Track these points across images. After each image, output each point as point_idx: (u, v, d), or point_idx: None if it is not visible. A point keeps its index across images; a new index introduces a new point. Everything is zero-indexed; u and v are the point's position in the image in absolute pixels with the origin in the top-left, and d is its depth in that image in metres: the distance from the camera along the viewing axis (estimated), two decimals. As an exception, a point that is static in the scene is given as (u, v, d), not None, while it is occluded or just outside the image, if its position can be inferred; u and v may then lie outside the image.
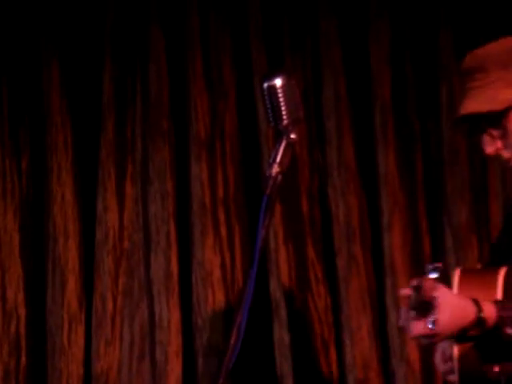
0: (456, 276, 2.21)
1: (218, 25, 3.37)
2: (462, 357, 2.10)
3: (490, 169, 3.30)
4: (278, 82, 1.94)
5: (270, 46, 3.35)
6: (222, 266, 3.31)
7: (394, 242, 3.29)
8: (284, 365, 3.26)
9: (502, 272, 2.16)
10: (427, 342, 2.06)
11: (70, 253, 3.34)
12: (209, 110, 3.35)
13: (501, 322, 2.04)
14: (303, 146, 3.33)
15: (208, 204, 3.32)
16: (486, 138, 2.25)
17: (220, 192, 3.34)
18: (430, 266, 2.08)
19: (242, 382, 3.16)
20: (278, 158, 1.91)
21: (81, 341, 3.31)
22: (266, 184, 1.90)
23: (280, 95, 1.94)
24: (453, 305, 2.05)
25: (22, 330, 3.31)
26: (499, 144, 2.24)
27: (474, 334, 2.06)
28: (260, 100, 3.27)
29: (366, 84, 3.36)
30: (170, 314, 3.28)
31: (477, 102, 2.23)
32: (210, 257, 3.30)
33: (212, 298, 3.28)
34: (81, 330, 3.31)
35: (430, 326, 2.02)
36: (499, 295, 2.11)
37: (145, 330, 3.31)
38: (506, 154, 2.25)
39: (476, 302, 2.07)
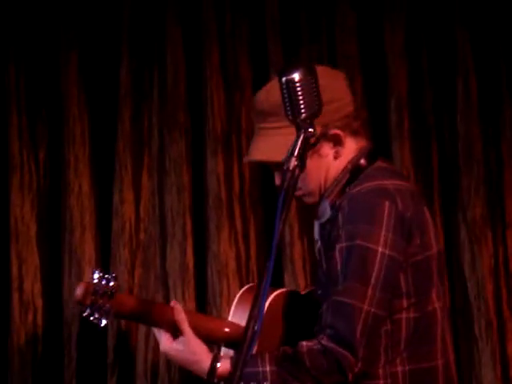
0: (237, 295, 2.32)
1: (235, 18, 3.38)
2: None
3: (506, 164, 3.30)
4: (297, 76, 1.95)
5: (287, 39, 3.36)
6: (237, 258, 3.32)
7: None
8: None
9: (273, 296, 2.26)
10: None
11: (86, 244, 3.36)
12: (225, 104, 3.36)
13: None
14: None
15: (224, 197, 3.33)
16: (278, 173, 2.31)
17: (236, 186, 3.35)
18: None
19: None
20: (296, 152, 1.92)
21: (97, 332, 3.32)
22: (283, 177, 1.90)
23: (298, 89, 1.95)
24: (189, 351, 2.21)
25: (39, 321, 3.33)
26: None
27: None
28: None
29: (382, 79, 3.36)
30: (185, 306, 3.30)
31: (265, 150, 2.27)
32: (225, 249, 3.31)
33: (227, 290, 3.29)
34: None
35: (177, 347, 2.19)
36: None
37: (160, 322, 3.32)
38: (299, 192, 2.28)
39: (215, 356, 2.18)
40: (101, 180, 3.41)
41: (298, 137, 1.93)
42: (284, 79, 1.95)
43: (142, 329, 3.33)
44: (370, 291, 2.13)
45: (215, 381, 2.16)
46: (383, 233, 2.15)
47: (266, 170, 3.35)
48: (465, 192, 3.29)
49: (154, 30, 3.40)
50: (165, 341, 2.22)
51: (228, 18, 3.38)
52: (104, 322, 2.13)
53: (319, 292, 2.27)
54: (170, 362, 3.29)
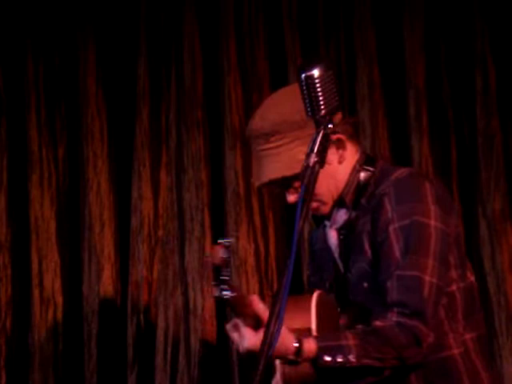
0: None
1: (252, 15, 3.37)
2: (286, 379, 2.20)
3: (525, 157, 3.29)
4: (316, 72, 1.94)
5: (304, 35, 3.35)
6: (256, 254, 3.32)
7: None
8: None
9: (315, 296, 2.27)
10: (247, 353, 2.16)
11: (105, 240, 3.37)
12: (243, 101, 3.35)
13: (320, 351, 2.15)
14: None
15: (242, 193, 3.33)
16: (290, 191, 2.33)
17: (254, 181, 3.35)
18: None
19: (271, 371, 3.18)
20: (316, 148, 1.92)
21: (116, 328, 3.34)
22: (303, 174, 1.90)
23: (318, 85, 1.94)
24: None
25: (59, 317, 3.35)
26: None
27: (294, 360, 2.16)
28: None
29: (401, 72, 3.35)
30: (204, 302, 3.31)
31: (277, 168, 2.28)
32: (244, 245, 3.32)
33: (246, 285, 3.30)
34: (116, 317, 3.34)
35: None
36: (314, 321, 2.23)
37: (179, 318, 3.33)
38: (314, 205, 2.32)
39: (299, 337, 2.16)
40: (119, 177, 3.42)
41: (318, 133, 1.93)
42: (303, 75, 1.94)
43: (162, 325, 3.33)
44: (431, 263, 2.20)
45: (300, 360, 2.16)
46: (432, 208, 2.24)
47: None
48: (484, 185, 3.28)
49: (171, 27, 3.41)
50: (250, 336, 2.16)
51: (245, 14, 3.37)
52: (229, 294, 2.10)
53: (365, 285, 2.29)
54: (189, 357, 3.30)
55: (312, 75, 1.94)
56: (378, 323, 2.20)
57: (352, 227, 2.31)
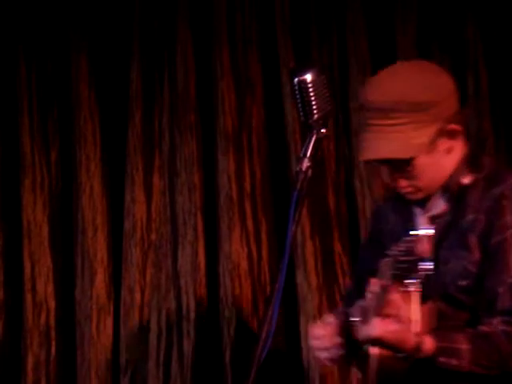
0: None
1: (245, 19, 3.38)
2: (381, 373, 2.18)
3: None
4: (309, 76, 1.95)
5: (297, 38, 3.36)
6: (249, 258, 3.33)
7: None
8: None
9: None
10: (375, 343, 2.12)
11: (98, 245, 3.37)
12: (236, 104, 3.36)
13: (437, 352, 2.11)
14: (330, 138, 3.34)
15: (235, 197, 3.33)
16: (396, 175, 2.28)
17: (247, 185, 3.35)
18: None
19: (269, 374, 3.18)
20: (309, 153, 1.92)
21: (109, 332, 3.34)
22: (296, 179, 1.90)
23: (310, 90, 1.94)
24: (402, 329, 2.13)
25: (52, 322, 3.35)
26: (403, 177, 2.27)
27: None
28: (287, 94, 3.28)
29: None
30: (197, 306, 3.31)
31: (392, 147, 2.23)
32: (236, 249, 3.32)
33: (239, 289, 3.30)
34: (109, 321, 3.35)
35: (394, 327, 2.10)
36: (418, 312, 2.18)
37: (172, 322, 3.33)
38: (407, 189, 2.29)
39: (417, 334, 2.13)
40: (112, 180, 3.42)
41: (310, 138, 1.93)
42: (296, 80, 1.95)
43: (154, 329, 3.33)
44: None
45: (415, 357, 2.12)
46: None
47: (277, 168, 3.36)
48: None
49: (164, 31, 3.41)
50: (381, 325, 2.11)
51: (238, 18, 3.38)
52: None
53: (463, 283, 2.24)
54: (182, 362, 3.30)
55: (305, 80, 1.95)
56: (485, 328, 2.16)
57: (453, 221, 2.26)
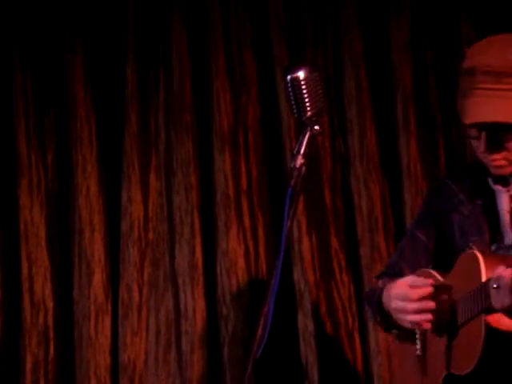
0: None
1: (239, 18, 3.38)
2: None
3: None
4: (302, 74, 1.96)
5: (291, 36, 3.36)
6: (246, 255, 3.33)
7: (417, 231, 3.29)
8: (308, 353, 3.28)
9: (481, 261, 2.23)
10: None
11: (95, 244, 3.37)
12: (231, 103, 3.37)
13: None
14: (325, 136, 3.34)
15: (231, 195, 3.34)
16: (489, 138, 2.27)
17: (243, 183, 3.36)
18: None
19: (268, 371, 3.19)
20: (302, 150, 1.93)
21: (107, 331, 3.34)
22: (290, 176, 1.91)
23: (303, 87, 1.95)
24: None
25: (50, 322, 3.35)
26: (500, 148, 2.27)
27: None
28: (282, 92, 3.28)
29: (388, 74, 3.36)
30: (195, 304, 3.31)
31: (506, 112, 2.22)
32: (234, 247, 3.33)
33: (236, 287, 3.31)
34: (107, 320, 3.35)
35: None
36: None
37: (170, 320, 3.34)
38: (500, 162, 2.28)
39: None
40: (109, 180, 3.42)
41: (304, 135, 1.94)
42: (289, 77, 1.96)
43: (153, 327, 3.34)
44: None
45: None
46: None
47: (273, 165, 3.36)
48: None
49: (159, 31, 3.41)
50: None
51: (233, 18, 3.38)
52: None
53: None
54: (181, 360, 3.30)
55: (297, 77, 1.96)
56: None
57: None
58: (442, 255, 2.51)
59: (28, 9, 3.42)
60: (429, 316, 2.30)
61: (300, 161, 1.92)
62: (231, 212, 3.33)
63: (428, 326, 2.32)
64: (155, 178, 3.40)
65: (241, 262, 3.32)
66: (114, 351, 3.35)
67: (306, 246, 3.31)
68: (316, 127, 1.95)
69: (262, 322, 1.80)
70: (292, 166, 1.92)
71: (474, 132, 2.31)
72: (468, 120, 2.29)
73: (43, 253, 3.38)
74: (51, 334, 3.35)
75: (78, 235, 3.38)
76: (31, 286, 3.36)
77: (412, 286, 2.34)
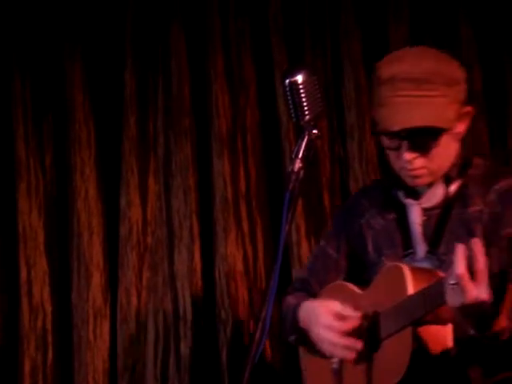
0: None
1: (238, 21, 3.38)
2: None
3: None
4: (300, 78, 1.96)
5: (290, 39, 3.36)
6: (245, 259, 3.33)
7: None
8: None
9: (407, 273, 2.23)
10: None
11: (94, 248, 3.37)
12: (230, 106, 3.36)
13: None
14: (324, 139, 3.34)
15: (230, 199, 3.34)
16: (410, 146, 2.26)
17: (242, 187, 3.36)
18: None
19: (267, 375, 3.18)
20: (301, 154, 1.93)
21: (106, 335, 3.34)
22: (288, 179, 1.91)
23: (302, 91, 1.96)
24: None
25: (49, 325, 3.35)
26: (421, 156, 2.26)
27: None
28: (281, 96, 3.28)
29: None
30: (193, 308, 3.31)
31: (428, 116, 2.23)
32: (232, 251, 3.32)
33: (235, 291, 3.30)
34: (106, 324, 3.35)
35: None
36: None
37: (169, 324, 3.33)
38: (420, 171, 2.27)
39: None
40: (107, 184, 3.42)
41: (302, 139, 1.94)
42: (287, 81, 1.97)
43: (151, 332, 3.34)
44: None
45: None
46: None
47: (272, 169, 3.36)
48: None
49: (157, 35, 3.41)
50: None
51: (231, 21, 3.38)
52: None
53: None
54: (179, 364, 3.30)
55: (296, 81, 1.96)
56: None
57: (455, 209, 2.26)
58: (355, 270, 2.49)
59: (27, 15, 3.42)
60: (354, 354, 2.27)
61: (298, 165, 1.92)
62: (230, 216, 3.33)
63: (352, 357, 2.28)
64: (154, 182, 3.40)
65: (239, 267, 3.32)
66: (113, 355, 3.35)
67: (304, 250, 3.30)
68: (314, 131, 1.96)
69: (260, 326, 1.80)
70: (290, 169, 1.92)
71: (393, 142, 2.29)
72: (395, 127, 2.26)
73: (42, 257, 3.37)
74: (50, 338, 3.35)
75: (77, 238, 3.38)
76: (30, 289, 3.35)
77: (338, 317, 2.31)
